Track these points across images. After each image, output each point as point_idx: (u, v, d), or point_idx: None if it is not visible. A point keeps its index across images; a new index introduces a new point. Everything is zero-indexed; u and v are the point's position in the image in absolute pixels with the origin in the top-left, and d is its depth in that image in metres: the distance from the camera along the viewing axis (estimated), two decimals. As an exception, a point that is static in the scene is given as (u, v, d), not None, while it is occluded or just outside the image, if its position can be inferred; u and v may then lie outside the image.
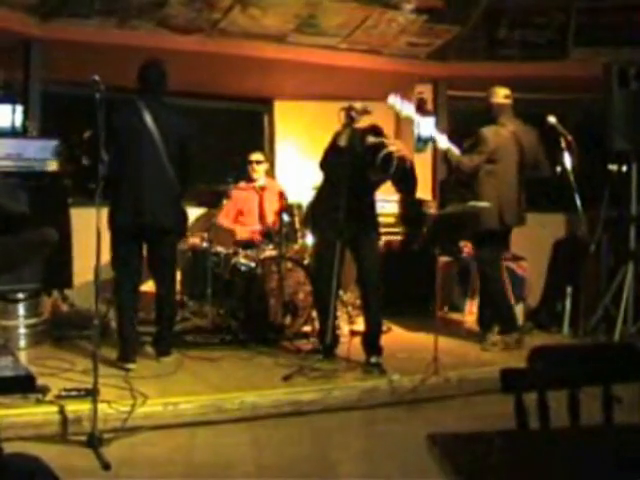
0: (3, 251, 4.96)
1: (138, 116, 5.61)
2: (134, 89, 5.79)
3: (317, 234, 6.23)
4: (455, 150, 6.49)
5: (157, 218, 5.63)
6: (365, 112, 5.65)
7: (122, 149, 5.53)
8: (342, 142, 5.66)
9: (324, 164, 5.87)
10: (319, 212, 6.01)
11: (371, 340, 5.94)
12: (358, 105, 5.66)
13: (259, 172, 7.74)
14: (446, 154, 6.55)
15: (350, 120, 5.63)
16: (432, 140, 7.01)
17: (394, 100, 5.96)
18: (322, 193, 6.05)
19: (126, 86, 5.89)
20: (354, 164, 5.61)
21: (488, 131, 6.51)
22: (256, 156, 7.78)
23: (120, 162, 5.48)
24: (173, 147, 5.67)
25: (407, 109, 6.09)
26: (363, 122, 5.72)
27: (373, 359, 5.85)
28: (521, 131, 6.60)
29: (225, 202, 7.54)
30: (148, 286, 6.34)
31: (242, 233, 7.55)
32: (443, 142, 6.52)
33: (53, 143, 5.96)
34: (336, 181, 5.70)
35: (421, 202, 7.89)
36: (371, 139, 5.75)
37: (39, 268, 5.67)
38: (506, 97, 6.68)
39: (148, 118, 5.61)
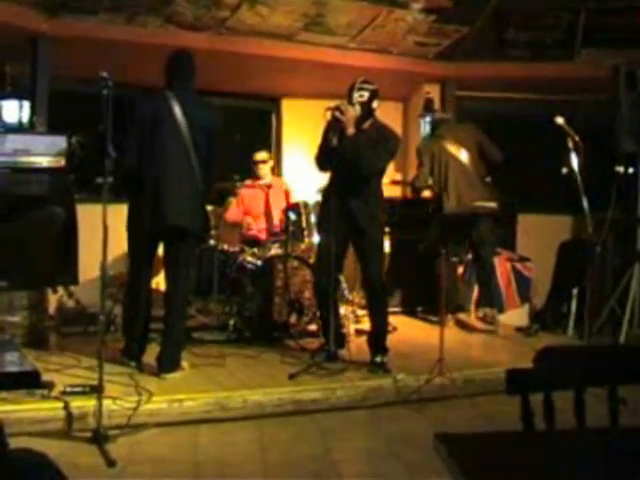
0: (15, 229, 5.01)
1: (167, 108, 5.35)
2: (141, 86, 5.76)
3: (321, 231, 6.24)
4: None
5: (180, 219, 5.37)
6: (349, 111, 5.64)
7: (147, 143, 5.31)
8: (332, 141, 5.68)
9: (321, 162, 5.90)
10: (325, 210, 6.00)
11: (376, 339, 5.93)
12: (343, 106, 5.65)
13: (264, 170, 7.74)
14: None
15: (335, 120, 5.64)
16: None
17: None
18: (327, 191, 6.05)
19: (134, 83, 5.89)
20: (346, 164, 5.63)
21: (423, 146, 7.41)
22: (260, 155, 7.77)
23: (145, 158, 5.31)
24: (200, 142, 5.42)
25: None
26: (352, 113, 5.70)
27: (378, 358, 5.84)
28: (459, 135, 7.32)
29: (231, 200, 7.56)
30: (155, 283, 6.32)
31: (252, 225, 7.55)
32: None
33: (60, 139, 5.95)
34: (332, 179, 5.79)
35: (427, 202, 7.89)
36: None
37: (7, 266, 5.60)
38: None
39: (177, 110, 5.35)
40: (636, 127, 6.65)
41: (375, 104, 5.85)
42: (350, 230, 5.79)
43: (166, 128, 5.36)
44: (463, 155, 7.21)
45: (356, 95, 5.76)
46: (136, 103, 5.47)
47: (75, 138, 6.00)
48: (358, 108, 5.72)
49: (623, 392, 2.33)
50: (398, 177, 8.72)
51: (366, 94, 5.79)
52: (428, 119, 7.90)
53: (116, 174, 4.77)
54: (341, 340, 6.10)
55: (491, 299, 7.40)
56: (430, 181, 7.23)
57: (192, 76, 5.58)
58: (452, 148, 7.22)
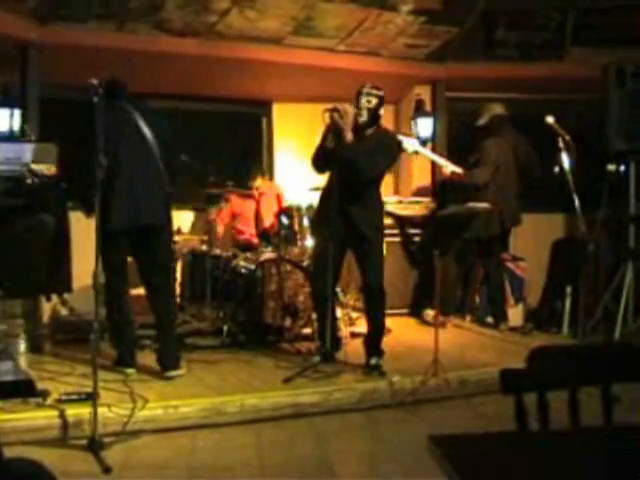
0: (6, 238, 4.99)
1: (128, 116, 5.46)
2: (132, 92, 5.75)
3: (317, 235, 6.23)
4: (445, 163, 7.32)
5: (154, 217, 5.48)
6: (348, 114, 5.62)
7: (113, 150, 5.26)
8: (329, 144, 5.67)
9: (317, 164, 5.89)
10: (322, 214, 5.97)
11: (373, 342, 5.93)
12: (341, 107, 5.62)
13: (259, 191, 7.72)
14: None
15: (333, 122, 5.62)
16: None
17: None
18: (323, 194, 6.03)
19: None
20: (344, 169, 5.62)
21: (490, 144, 7.25)
22: (258, 183, 7.74)
23: (111, 163, 5.18)
24: (160, 145, 5.53)
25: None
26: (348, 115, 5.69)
27: (373, 361, 5.84)
28: (518, 141, 7.38)
29: (223, 205, 7.55)
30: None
31: (241, 228, 7.68)
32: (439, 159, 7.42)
33: (51, 147, 5.94)
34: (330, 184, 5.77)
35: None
36: None
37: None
38: (502, 109, 7.49)
39: (138, 118, 5.47)
40: (626, 125, 6.67)
41: (382, 111, 5.84)
42: (349, 235, 5.76)
43: (130, 133, 5.44)
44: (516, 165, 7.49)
45: (364, 100, 5.71)
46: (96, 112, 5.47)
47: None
48: (365, 114, 5.68)
49: (617, 390, 2.33)
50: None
51: (374, 100, 5.75)
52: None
53: (84, 187, 4.80)
54: (337, 343, 6.11)
55: (499, 309, 7.55)
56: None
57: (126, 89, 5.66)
58: (511, 157, 7.43)
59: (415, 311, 7.99)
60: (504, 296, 7.57)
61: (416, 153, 7.15)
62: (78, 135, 5.39)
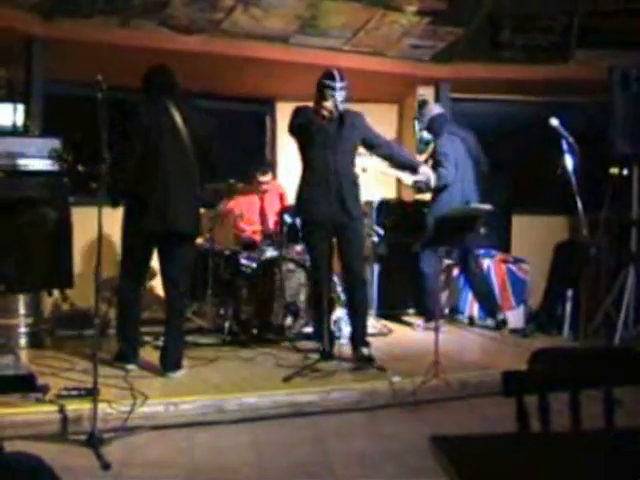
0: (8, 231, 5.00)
1: (168, 117, 5.45)
2: (136, 89, 5.76)
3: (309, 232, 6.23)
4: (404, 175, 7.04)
5: (182, 223, 5.47)
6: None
7: (150, 150, 5.38)
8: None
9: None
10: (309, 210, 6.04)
11: (359, 332, 5.95)
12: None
13: (265, 187, 7.70)
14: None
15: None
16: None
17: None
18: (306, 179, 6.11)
19: (128, 86, 5.88)
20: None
21: (443, 142, 7.38)
22: (265, 178, 7.73)
23: (146, 164, 5.36)
24: (198, 147, 5.52)
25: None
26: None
27: (365, 351, 5.89)
28: (467, 136, 7.52)
29: (227, 202, 7.55)
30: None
31: (241, 223, 7.74)
32: (407, 178, 7.05)
33: (54, 142, 5.94)
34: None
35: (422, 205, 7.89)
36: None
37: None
38: (440, 108, 7.72)
39: (178, 118, 5.46)
40: (630, 129, 6.66)
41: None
42: (336, 222, 5.78)
43: (169, 137, 5.43)
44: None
45: (340, 95, 5.76)
46: (139, 111, 5.49)
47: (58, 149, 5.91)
48: (340, 107, 5.70)
49: (618, 394, 2.33)
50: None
51: (345, 92, 5.80)
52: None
53: (114, 180, 4.79)
54: (333, 340, 6.13)
55: (493, 309, 7.50)
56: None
57: (178, 85, 5.66)
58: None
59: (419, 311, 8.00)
60: (489, 296, 7.53)
61: (363, 170, 6.68)
62: (117, 130, 5.38)
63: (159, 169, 5.40)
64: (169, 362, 5.56)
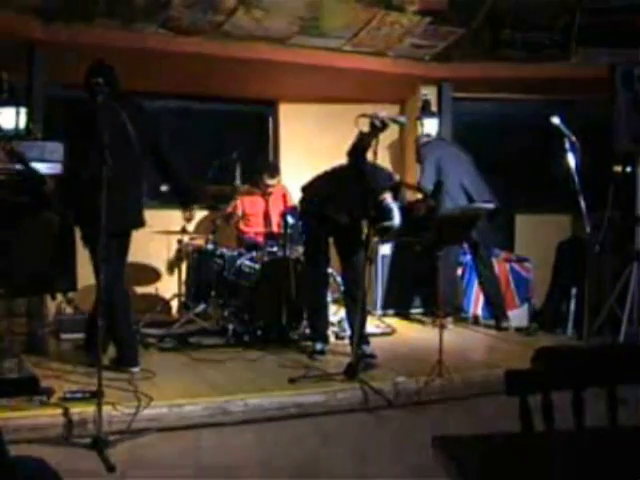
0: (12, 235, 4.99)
1: (118, 117, 5.30)
2: (137, 91, 5.75)
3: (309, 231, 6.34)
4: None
5: (137, 220, 5.60)
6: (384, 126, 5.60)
7: (100, 150, 5.02)
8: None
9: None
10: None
11: (361, 331, 5.98)
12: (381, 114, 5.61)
13: (271, 190, 7.69)
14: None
15: (374, 129, 5.56)
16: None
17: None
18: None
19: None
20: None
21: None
22: (273, 181, 7.71)
23: (102, 164, 5.04)
24: (146, 145, 5.54)
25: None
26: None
27: (367, 349, 5.89)
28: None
29: (231, 204, 7.56)
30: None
31: (241, 222, 7.76)
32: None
33: (57, 145, 5.94)
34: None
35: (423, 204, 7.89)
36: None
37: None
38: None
39: (126, 118, 5.36)
40: (633, 126, 6.64)
41: None
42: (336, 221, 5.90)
43: (119, 134, 5.28)
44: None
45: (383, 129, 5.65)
46: (83, 110, 5.44)
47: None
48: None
49: (622, 392, 2.32)
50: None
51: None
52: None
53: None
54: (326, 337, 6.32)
55: (498, 314, 7.51)
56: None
57: (119, 84, 5.56)
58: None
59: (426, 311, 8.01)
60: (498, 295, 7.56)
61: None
62: (68, 134, 5.40)
63: (110, 170, 5.26)
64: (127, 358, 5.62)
